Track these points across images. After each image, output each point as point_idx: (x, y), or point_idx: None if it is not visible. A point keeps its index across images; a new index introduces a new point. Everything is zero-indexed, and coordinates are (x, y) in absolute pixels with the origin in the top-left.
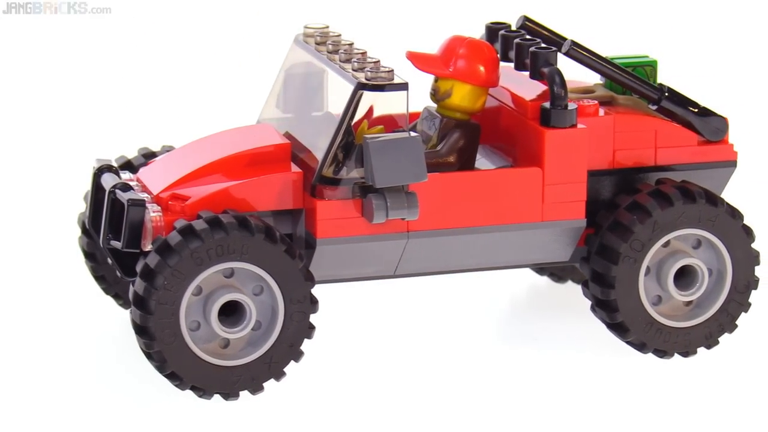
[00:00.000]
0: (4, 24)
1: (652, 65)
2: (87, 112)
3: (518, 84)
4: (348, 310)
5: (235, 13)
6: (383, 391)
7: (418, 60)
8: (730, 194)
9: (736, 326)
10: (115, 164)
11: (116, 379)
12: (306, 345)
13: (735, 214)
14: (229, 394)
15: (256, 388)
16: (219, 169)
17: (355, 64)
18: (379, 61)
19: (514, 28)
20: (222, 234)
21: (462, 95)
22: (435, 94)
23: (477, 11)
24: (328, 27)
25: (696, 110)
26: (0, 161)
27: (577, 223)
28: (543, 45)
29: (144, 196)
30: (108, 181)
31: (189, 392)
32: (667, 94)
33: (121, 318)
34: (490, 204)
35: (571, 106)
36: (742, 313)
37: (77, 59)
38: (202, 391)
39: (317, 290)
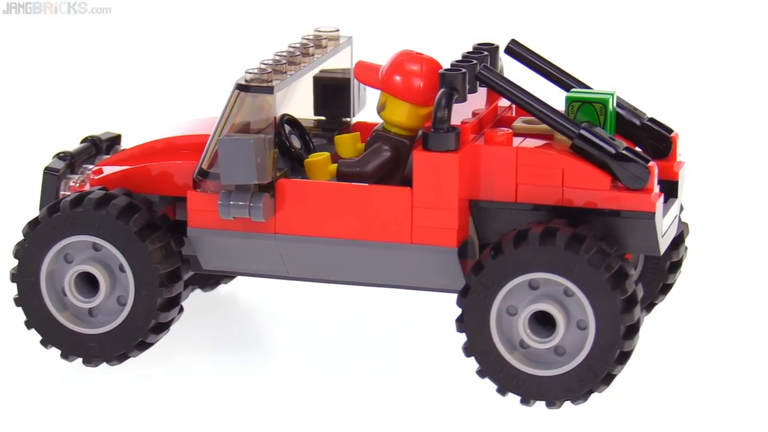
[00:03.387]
0: (4, 24)
1: (603, 103)
2: (87, 112)
3: (465, 106)
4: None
5: (236, 13)
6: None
7: (360, 69)
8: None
9: (605, 385)
10: (101, 139)
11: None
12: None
13: (599, 265)
14: (84, 359)
15: (109, 358)
16: (148, 151)
17: (264, 65)
18: (285, 64)
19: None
20: (80, 209)
21: (393, 110)
22: (377, 105)
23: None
24: (336, 31)
25: (613, 154)
26: (1, 160)
27: (447, 251)
28: (454, 67)
29: (88, 167)
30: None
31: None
32: (581, 132)
33: None
34: (360, 218)
35: (454, 130)
36: (612, 373)
37: (77, 59)
38: (61, 351)
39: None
